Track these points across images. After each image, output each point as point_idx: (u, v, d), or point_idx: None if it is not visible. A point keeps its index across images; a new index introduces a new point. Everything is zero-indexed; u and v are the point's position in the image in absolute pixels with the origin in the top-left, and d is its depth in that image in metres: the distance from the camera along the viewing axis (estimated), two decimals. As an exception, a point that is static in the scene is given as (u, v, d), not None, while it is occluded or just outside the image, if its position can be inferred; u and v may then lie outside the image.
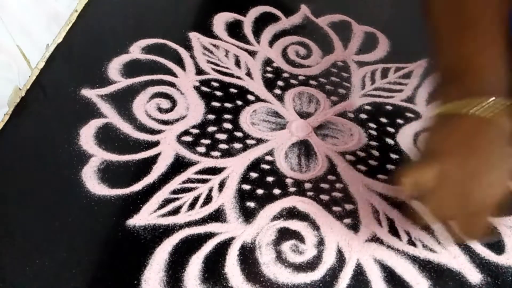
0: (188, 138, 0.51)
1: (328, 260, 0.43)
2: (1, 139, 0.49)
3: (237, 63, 0.60)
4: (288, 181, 0.48)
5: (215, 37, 0.63)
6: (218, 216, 0.45)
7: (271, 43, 0.63)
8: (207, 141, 0.51)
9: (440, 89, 0.38)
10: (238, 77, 0.58)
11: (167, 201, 0.46)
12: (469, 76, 0.36)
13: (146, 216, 0.44)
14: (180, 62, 0.59)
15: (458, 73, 0.36)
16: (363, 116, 0.56)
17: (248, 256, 0.42)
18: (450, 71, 0.38)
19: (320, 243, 0.44)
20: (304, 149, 0.52)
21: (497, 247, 0.45)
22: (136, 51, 0.59)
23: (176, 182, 0.47)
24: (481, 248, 0.45)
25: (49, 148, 0.48)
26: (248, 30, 0.65)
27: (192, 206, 0.45)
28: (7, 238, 0.42)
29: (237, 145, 0.51)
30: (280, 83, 0.58)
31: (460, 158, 0.35)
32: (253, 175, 0.49)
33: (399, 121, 0.56)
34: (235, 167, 0.49)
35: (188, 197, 0.46)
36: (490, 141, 0.35)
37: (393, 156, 0.52)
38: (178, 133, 0.51)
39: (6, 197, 0.44)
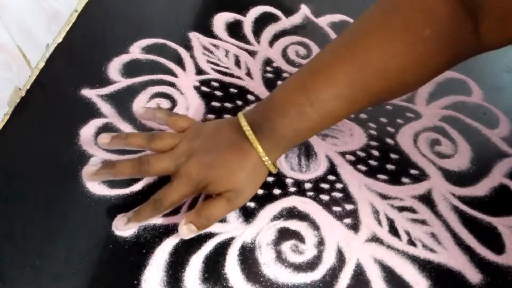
0: (188, 138, 0.51)
1: (328, 260, 0.43)
2: (1, 139, 0.49)
3: (237, 63, 0.60)
4: (288, 181, 0.48)
5: (215, 37, 0.63)
6: (218, 216, 0.45)
7: (271, 43, 0.64)
8: (207, 141, 0.51)
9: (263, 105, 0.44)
10: (238, 77, 0.58)
11: (167, 201, 0.45)
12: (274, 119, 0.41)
13: (146, 216, 0.44)
14: (180, 62, 0.59)
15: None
16: (363, 116, 0.56)
17: (248, 256, 0.42)
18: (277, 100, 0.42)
19: (320, 243, 0.44)
20: (304, 149, 0.52)
21: (497, 247, 0.45)
22: (136, 51, 0.59)
23: (176, 182, 0.47)
24: (481, 248, 0.45)
25: (49, 148, 0.48)
26: (248, 30, 0.65)
27: (192, 206, 0.45)
28: (7, 238, 0.42)
29: (237, 145, 0.51)
30: (280, 83, 0.58)
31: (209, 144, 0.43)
32: (253, 175, 0.48)
33: (399, 121, 0.56)
34: (235, 167, 0.49)
35: (188, 197, 0.46)
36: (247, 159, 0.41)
37: (393, 156, 0.52)
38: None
39: (6, 197, 0.44)
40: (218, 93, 0.56)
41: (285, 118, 0.40)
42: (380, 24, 0.38)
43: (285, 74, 0.60)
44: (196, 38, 0.62)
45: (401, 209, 0.47)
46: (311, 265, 0.42)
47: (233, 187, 0.41)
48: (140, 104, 0.53)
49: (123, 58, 0.58)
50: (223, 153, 0.41)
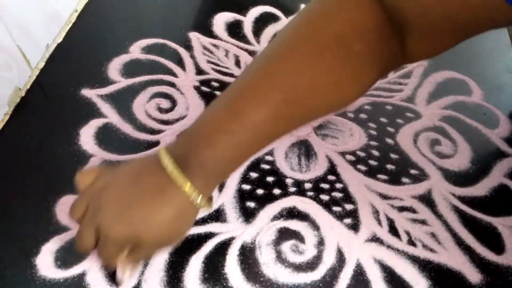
0: (188, 138, 0.51)
1: (328, 260, 0.43)
2: (1, 139, 0.49)
3: (237, 63, 0.60)
4: (288, 181, 0.48)
5: (215, 37, 0.63)
6: (218, 216, 0.45)
7: (271, 43, 0.63)
8: (207, 141, 0.51)
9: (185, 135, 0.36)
10: (238, 77, 0.58)
11: (167, 201, 0.45)
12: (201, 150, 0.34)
13: (146, 216, 0.44)
14: (180, 62, 0.59)
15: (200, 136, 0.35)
16: (363, 116, 0.56)
17: (248, 256, 0.42)
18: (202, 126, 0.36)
19: (320, 243, 0.44)
20: (304, 149, 0.52)
21: (497, 247, 0.45)
22: (136, 51, 0.59)
23: (176, 182, 0.47)
24: (481, 248, 0.45)
25: (49, 148, 0.48)
26: (248, 30, 0.65)
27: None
28: (7, 238, 0.42)
29: (237, 145, 0.51)
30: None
31: (129, 184, 0.35)
32: (253, 175, 0.49)
33: (399, 121, 0.56)
34: (235, 167, 0.49)
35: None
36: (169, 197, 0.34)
37: (393, 156, 0.52)
38: (178, 133, 0.51)
39: (6, 197, 0.44)
40: (218, 93, 0.56)
41: (217, 150, 0.34)
42: (308, 37, 0.34)
43: (285, 74, 0.60)
44: (196, 38, 0.62)
45: (401, 209, 0.47)
46: (311, 265, 0.42)
47: (161, 240, 0.36)
48: (140, 103, 0.54)
49: (123, 58, 0.58)
50: (145, 204, 0.34)
